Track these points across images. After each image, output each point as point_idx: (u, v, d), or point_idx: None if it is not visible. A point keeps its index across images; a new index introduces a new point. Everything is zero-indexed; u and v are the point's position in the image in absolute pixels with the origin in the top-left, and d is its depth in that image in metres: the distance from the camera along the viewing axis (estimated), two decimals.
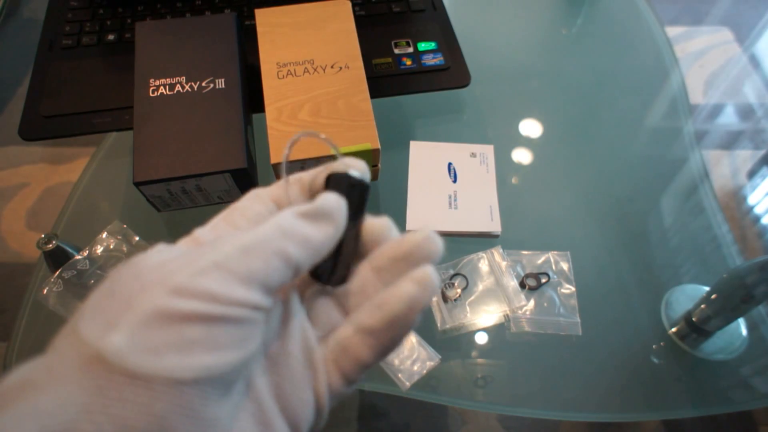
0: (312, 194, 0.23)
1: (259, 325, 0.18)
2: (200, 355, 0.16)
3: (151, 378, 0.16)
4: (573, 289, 0.48)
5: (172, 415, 0.16)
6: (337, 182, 0.22)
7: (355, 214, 0.22)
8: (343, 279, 0.22)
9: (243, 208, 0.22)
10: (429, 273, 0.20)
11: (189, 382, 0.16)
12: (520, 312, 0.47)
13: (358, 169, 0.22)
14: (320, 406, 0.20)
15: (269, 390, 0.20)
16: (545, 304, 0.48)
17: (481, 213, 0.52)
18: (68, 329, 0.17)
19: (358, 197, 0.22)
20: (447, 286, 0.48)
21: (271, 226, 0.19)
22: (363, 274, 0.22)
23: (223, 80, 0.49)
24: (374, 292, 0.22)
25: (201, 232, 0.21)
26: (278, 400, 0.20)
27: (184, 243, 0.21)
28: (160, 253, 0.19)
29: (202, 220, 0.22)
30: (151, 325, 0.16)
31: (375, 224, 0.23)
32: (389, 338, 0.20)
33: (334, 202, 0.21)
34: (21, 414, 0.15)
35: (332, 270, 0.22)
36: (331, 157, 0.45)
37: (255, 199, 0.23)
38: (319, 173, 0.23)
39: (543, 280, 0.49)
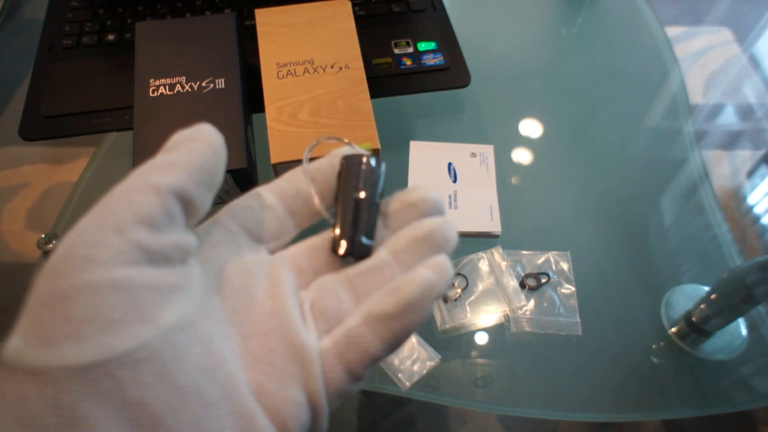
0: (322, 182, 0.23)
1: (162, 275, 0.17)
2: (95, 335, 0.15)
3: (50, 370, 0.15)
4: (573, 289, 0.48)
5: (82, 404, 0.15)
6: (348, 163, 0.23)
7: (370, 189, 0.22)
8: (362, 251, 0.22)
9: (233, 206, 0.22)
10: (444, 261, 0.20)
11: (93, 366, 0.15)
12: (520, 312, 0.47)
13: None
14: (315, 405, 0.19)
15: (249, 388, 0.18)
16: (545, 304, 0.48)
17: (481, 213, 0.52)
18: None
19: (372, 173, 0.23)
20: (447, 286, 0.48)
21: (131, 177, 0.19)
22: (380, 256, 0.21)
23: (223, 80, 0.49)
24: (391, 277, 0.21)
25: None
26: (260, 399, 0.18)
27: None
28: None
29: (201, 220, 0.22)
30: (41, 314, 0.15)
31: (403, 197, 0.23)
32: (401, 326, 0.19)
33: (194, 128, 0.20)
34: None
35: (351, 243, 0.22)
36: None
37: (249, 197, 0.23)
38: (327, 160, 0.23)
39: (543, 280, 0.49)
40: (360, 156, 0.23)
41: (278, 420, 0.18)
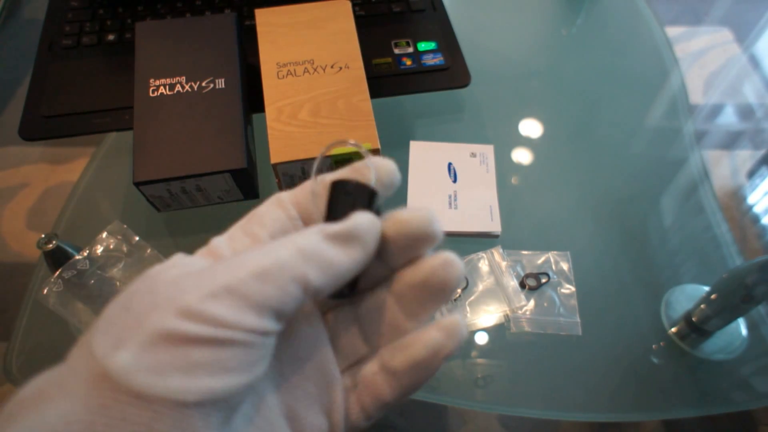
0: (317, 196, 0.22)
1: (268, 348, 0.18)
2: (205, 378, 0.16)
3: (153, 398, 0.16)
4: (573, 289, 0.48)
5: None
6: (337, 190, 0.20)
7: None
8: (349, 290, 0.21)
9: (261, 214, 0.21)
10: (457, 322, 0.20)
11: (192, 405, 0.16)
12: (520, 312, 0.47)
13: (386, 168, 0.21)
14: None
15: (281, 410, 0.19)
16: (545, 304, 0.48)
17: (481, 213, 0.52)
18: (83, 341, 0.17)
19: (363, 205, 0.20)
20: None
21: (291, 248, 0.18)
22: (384, 300, 0.21)
23: (223, 80, 0.49)
24: (396, 322, 0.21)
25: (218, 243, 0.20)
26: (290, 422, 0.19)
27: (200, 254, 0.20)
28: (177, 267, 0.18)
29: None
30: (157, 345, 0.16)
31: (400, 227, 0.20)
32: (411, 381, 0.20)
33: (368, 224, 0.19)
34: (28, 427, 0.15)
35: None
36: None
37: (275, 205, 0.21)
38: (345, 174, 0.22)
39: (543, 280, 0.49)
40: (351, 184, 0.20)
41: None
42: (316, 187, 0.22)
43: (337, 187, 0.21)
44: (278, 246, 0.18)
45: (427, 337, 0.20)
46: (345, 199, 0.20)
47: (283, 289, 0.17)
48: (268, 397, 0.19)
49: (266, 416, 0.19)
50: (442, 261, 0.20)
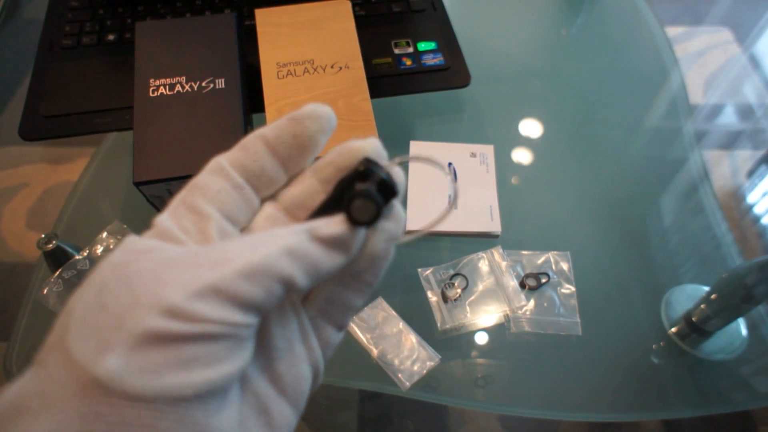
0: (323, 179, 0.21)
1: (252, 334, 0.18)
2: (201, 371, 0.16)
3: (152, 398, 0.15)
4: (573, 289, 0.48)
5: None
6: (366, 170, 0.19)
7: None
8: None
9: (203, 186, 0.20)
10: (398, 208, 0.20)
11: (191, 398, 0.16)
12: (520, 312, 0.47)
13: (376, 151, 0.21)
14: (317, 370, 0.21)
15: (264, 378, 0.20)
16: (545, 304, 0.48)
17: (481, 213, 0.52)
18: (54, 343, 0.16)
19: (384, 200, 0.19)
20: (447, 286, 0.48)
21: (280, 246, 0.17)
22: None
23: (223, 80, 0.49)
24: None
25: (164, 223, 0.19)
26: (274, 385, 0.20)
27: (149, 236, 0.19)
28: (147, 254, 0.17)
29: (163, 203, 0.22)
30: (147, 346, 0.16)
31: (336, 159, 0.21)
32: (372, 275, 0.21)
33: (357, 236, 0.19)
34: None
35: None
36: None
37: (216, 173, 0.20)
38: (336, 158, 0.21)
39: (543, 280, 0.49)
40: (379, 176, 0.19)
41: (293, 398, 0.20)
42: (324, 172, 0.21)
43: (366, 171, 0.19)
44: (266, 241, 0.18)
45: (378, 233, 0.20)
46: (363, 197, 0.18)
47: (269, 290, 0.17)
48: (248, 370, 0.19)
49: (253, 390, 0.19)
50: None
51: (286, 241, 0.18)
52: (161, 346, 0.16)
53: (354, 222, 0.18)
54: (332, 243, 0.18)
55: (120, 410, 0.15)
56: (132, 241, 0.18)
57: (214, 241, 0.19)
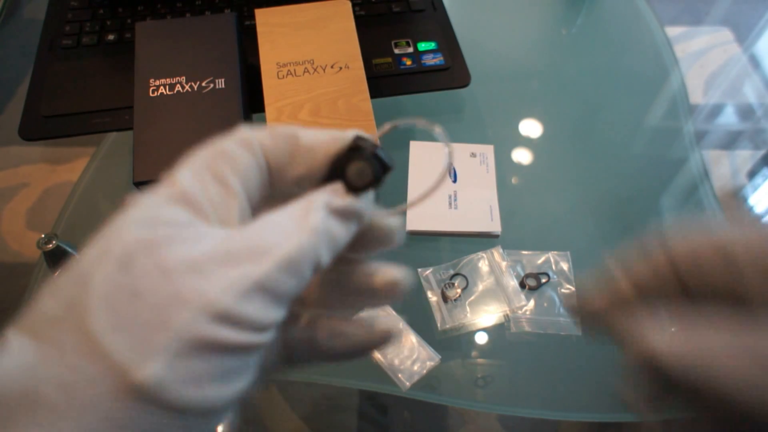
0: (313, 159, 0.19)
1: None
2: (236, 383, 0.16)
3: (187, 409, 0.15)
4: (573, 289, 0.48)
5: None
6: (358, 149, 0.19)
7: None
8: None
9: (232, 156, 0.18)
10: (393, 326, 0.20)
11: (219, 409, 0.15)
12: (520, 312, 0.47)
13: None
14: None
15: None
16: (545, 304, 0.48)
17: (481, 213, 0.52)
18: (65, 317, 0.15)
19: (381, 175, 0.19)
20: (447, 286, 0.48)
21: (308, 230, 0.16)
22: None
23: (223, 80, 0.49)
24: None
25: (185, 182, 0.17)
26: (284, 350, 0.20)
27: (170, 198, 0.17)
28: (181, 234, 0.16)
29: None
30: (191, 353, 0.14)
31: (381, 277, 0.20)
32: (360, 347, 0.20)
33: (368, 204, 0.19)
34: None
35: None
36: None
37: (245, 147, 0.18)
38: (330, 140, 0.19)
39: (543, 280, 0.49)
40: (370, 150, 0.19)
41: None
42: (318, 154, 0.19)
43: (357, 146, 0.19)
44: (293, 224, 0.16)
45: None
46: (358, 162, 0.18)
47: (305, 279, 0.16)
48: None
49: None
50: (394, 281, 0.20)
51: (311, 222, 0.16)
52: (207, 354, 0.15)
53: (353, 188, 0.18)
54: (349, 214, 0.18)
55: (156, 419, 0.14)
56: (154, 205, 0.16)
57: (236, 223, 0.17)
